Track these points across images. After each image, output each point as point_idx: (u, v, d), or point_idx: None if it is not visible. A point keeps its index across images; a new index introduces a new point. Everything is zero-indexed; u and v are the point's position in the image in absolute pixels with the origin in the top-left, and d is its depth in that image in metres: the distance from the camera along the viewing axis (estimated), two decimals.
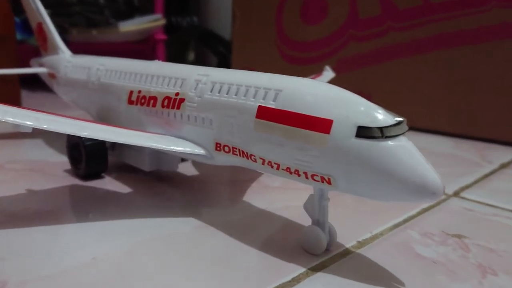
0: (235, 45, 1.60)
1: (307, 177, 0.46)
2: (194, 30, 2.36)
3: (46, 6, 1.67)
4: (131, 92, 0.67)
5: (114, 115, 0.72)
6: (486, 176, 0.83)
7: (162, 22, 2.06)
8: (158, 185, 0.72)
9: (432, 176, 0.40)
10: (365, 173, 0.41)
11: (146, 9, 2.12)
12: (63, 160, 0.83)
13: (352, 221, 0.60)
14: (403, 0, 1.17)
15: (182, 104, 0.58)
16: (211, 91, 0.55)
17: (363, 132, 0.41)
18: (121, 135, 0.58)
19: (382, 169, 0.41)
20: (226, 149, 0.54)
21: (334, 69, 1.21)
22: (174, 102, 0.59)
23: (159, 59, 2.21)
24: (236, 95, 0.52)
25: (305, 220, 0.52)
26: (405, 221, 0.61)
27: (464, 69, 1.09)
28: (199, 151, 0.57)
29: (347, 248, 0.52)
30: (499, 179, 0.82)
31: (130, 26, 1.95)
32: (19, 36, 1.40)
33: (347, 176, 0.43)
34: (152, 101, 0.63)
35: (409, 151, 0.41)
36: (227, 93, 0.53)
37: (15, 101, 1.24)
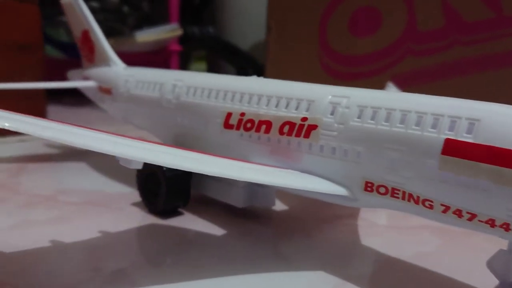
0: (270, 58, 1.50)
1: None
2: (209, 40, 2.25)
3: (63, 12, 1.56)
4: (229, 115, 0.56)
5: (199, 140, 0.61)
6: None
7: (179, 32, 1.95)
8: (248, 223, 0.60)
9: None
10: None
11: (160, 18, 2.01)
12: (124, 191, 0.71)
13: None
14: (471, 12, 1.08)
15: (313, 132, 0.47)
16: (359, 117, 0.44)
17: None
18: (232, 170, 0.47)
19: None
20: (382, 190, 0.43)
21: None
22: (300, 129, 0.48)
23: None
24: (402, 123, 0.41)
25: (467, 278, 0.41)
26: None
27: None
28: (340, 191, 0.46)
29: None
30: None
31: (147, 36, 1.85)
32: None
33: None
34: (264, 127, 0.52)
35: None
36: (386, 121, 0.42)
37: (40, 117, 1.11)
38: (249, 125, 0.53)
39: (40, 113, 1.11)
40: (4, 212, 0.60)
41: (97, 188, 0.73)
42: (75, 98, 1.65)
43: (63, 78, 1.13)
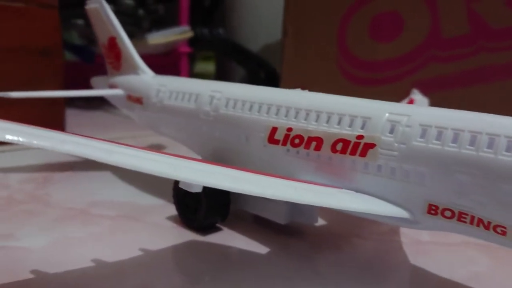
0: (286, 62, 1.48)
1: None
2: (219, 42, 2.23)
3: (80, 16, 1.54)
4: (274, 129, 0.54)
5: (238, 154, 0.59)
6: None
7: (189, 34, 1.94)
8: (287, 239, 0.59)
9: None
10: None
11: (173, 21, 1.99)
12: (156, 203, 0.70)
13: None
14: (498, 19, 1.06)
15: (370, 150, 0.46)
16: (422, 137, 0.43)
17: None
18: (293, 192, 0.45)
19: None
20: (448, 213, 0.42)
21: (408, 92, 1.10)
22: (355, 147, 0.47)
23: (182, 73, 2.08)
24: (472, 145, 0.40)
25: None
26: None
27: None
28: (400, 213, 0.44)
29: None
30: None
31: (159, 39, 1.83)
32: None
33: None
34: (314, 143, 0.50)
35: None
36: (453, 142, 0.41)
37: (59, 124, 1.09)
38: (297, 141, 0.52)
39: (59, 118, 1.10)
40: (40, 227, 0.59)
41: (128, 199, 0.71)
42: (86, 101, 1.64)
43: (76, 81, 1.11)
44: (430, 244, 0.60)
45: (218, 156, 0.62)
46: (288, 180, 0.46)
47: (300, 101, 0.54)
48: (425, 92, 1.18)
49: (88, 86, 0.93)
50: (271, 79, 1.96)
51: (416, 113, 0.45)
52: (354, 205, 0.44)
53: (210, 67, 2.97)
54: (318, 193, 0.45)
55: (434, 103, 1.14)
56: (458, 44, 1.12)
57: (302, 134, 0.51)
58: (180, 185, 0.38)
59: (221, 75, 2.38)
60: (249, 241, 0.58)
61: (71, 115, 1.17)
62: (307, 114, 0.52)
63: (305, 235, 0.61)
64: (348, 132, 0.48)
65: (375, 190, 0.46)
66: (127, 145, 0.41)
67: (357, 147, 0.46)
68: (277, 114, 0.55)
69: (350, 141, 0.47)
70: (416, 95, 1.00)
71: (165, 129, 0.72)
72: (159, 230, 0.60)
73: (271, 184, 0.43)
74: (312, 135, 0.50)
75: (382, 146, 0.45)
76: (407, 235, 0.62)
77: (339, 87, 1.33)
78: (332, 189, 0.47)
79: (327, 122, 0.50)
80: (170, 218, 0.64)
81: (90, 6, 0.84)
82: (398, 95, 1.21)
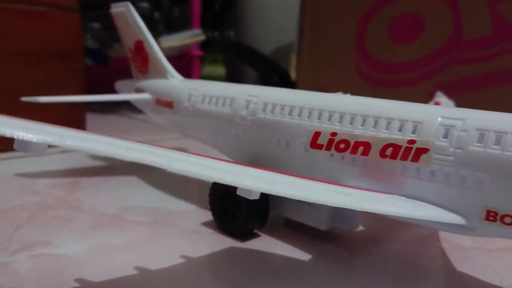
0: (302, 64, 1.48)
1: None
2: (230, 45, 2.22)
3: (95, 19, 1.53)
4: (317, 134, 0.53)
5: (278, 159, 0.58)
6: None
7: (202, 37, 1.93)
8: (326, 245, 0.58)
9: None
10: None
11: (186, 24, 1.98)
12: (188, 208, 0.69)
13: None
14: None
15: (423, 156, 0.45)
16: (479, 142, 0.42)
17: None
18: (350, 200, 0.44)
19: None
20: (508, 220, 0.41)
21: (429, 94, 1.10)
22: (406, 152, 0.46)
23: (194, 76, 2.08)
24: None
25: None
26: None
27: None
28: (456, 219, 0.43)
29: None
30: None
31: (172, 42, 1.82)
32: None
33: None
34: (361, 148, 0.49)
35: None
36: None
37: (80, 128, 1.09)
38: (342, 146, 0.51)
39: (80, 122, 1.09)
40: (76, 234, 0.58)
41: (159, 205, 0.70)
42: (101, 104, 1.63)
43: (91, 84, 1.10)
44: (472, 250, 0.59)
45: (255, 161, 0.61)
46: (344, 187, 0.45)
47: (344, 105, 0.53)
48: (446, 94, 1.17)
49: (104, 90, 0.92)
50: (284, 82, 1.95)
51: (470, 117, 0.44)
52: (413, 212, 0.43)
53: (218, 69, 2.97)
54: (375, 200, 0.44)
55: (457, 105, 1.13)
56: (480, 46, 1.11)
57: (348, 139, 0.50)
58: (238, 192, 0.37)
59: (232, 77, 2.37)
60: (288, 247, 0.57)
61: (90, 120, 1.17)
62: (353, 119, 0.51)
63: (344, 241, 0.60)
64: (399, 136, 0.47)
65: (428, 196, 0.45)
66: (179, 150, 0.41)
67: (409, 152, 0.46)
68: (319, 118, 0.54)
69: (400, 146, 0.46)
70: (441, 97, 0.99)
71: (197, 133, 0.71)
72: (195, 236, 0.60)
73: (331, 192, 0.43)
74: (359, 140, 0.49)
75: (436, 151, 0.44)
76: (448, 240, 0.61)
77: (357, 89, 1.32)
78: (385, 195, 0.46)
79: (375, 126, 0.49)
80: (205, 224, 0.63)
81: (116, 9, 0.83)
82: (418, 97, 1.20)
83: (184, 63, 2.04)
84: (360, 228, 0.64)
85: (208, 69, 3.03)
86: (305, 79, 1.46)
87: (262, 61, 2.07)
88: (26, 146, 0.29)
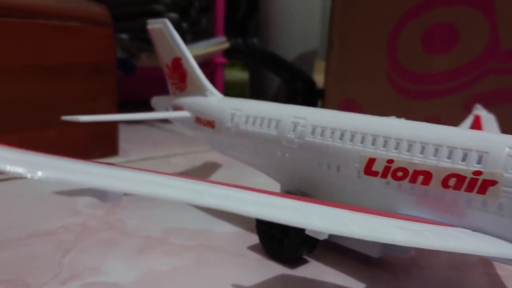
0: (331, 74, 1.46)
1: None
2: (255, 52, 2.21)
3: (122, 30, 1.53)
4: (372, 160, 0.52)
5: (327, 184, 0.57)
6: None
7: (226, 45, 1.93)
8: (377, 271, 0.57)
9: None
10: None
11: (206, 31, 1.98)
12: (231, 230, 0.68)
13: None
14: None
15: (491, 188, 0.43)
16: None
17: None
18: (412, 237, 0.42)
19: None
20: None
21: (465, 105, 1.07)
22: (472, 183, 0.44)
23: (218, 83, 2.07)
24: None
25: None
26: None
27: None
28: None
29: None
30: None
31: (197, 50, 1.82)
32: None
33: None
34: (421, 177, 0.47)
35: None
36: None
37: (112, 140, 1.09)
38: (400, 174, 0.49)
39: (113, 135, 1.09)
40: (123, 259, 0.57)
41: (202, 226, 0.69)
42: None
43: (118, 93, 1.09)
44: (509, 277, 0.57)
45: (302, 185, 0.60)
46: (410, 222, 0.44)
47: (399, 131, 0.51)
48: (483, 105, 1.15)
49: (130, 98, 0.90)
50: (309, 91, 1.94)
51: None
52: (485, 249, 0.41)
53: (237, 73, 2.96)
54: (441, 236, 0.43)
55: (496, 117, 1.10)
56: None
57: (406, 167, 0.49)
58: (307, 232, 0.36)
59: (255, 83, 2.36)
60: (340, 275, 0.56)
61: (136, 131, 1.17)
62: (410, 146, 0.49)
63: (397, 267, 0.58)
64: (463, 167, 0.45)
65: (495, 229, 0.43)
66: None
67: (475, 183, 0.44)
68: (373, 144, 0.52)
69: (465, 177, 0.45)
70: (480, 111, 0.96)
71: (240, 154, 0.70)
72: (244, 262, 0.59)
73: (400, 229, 0.41)
74: (419, 168, 0.48)
75: (505, 184, 0.42)
76: (501, 267, 0.59)
77: (389, 100, 1.30)
78: (450, 228, 0.45)
79: (435, 155, 0.47)
80: (252, 248, 0.62)
81: (153, 26, 0.83)
82: (453, 109, 1.18)
83: (208, 71, 2.04)
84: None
85: (227, 73, 3.03)
86: (333, 88, 1.45)
87: (286, 68, 2.06)
88: (105, 195, 0.29)
